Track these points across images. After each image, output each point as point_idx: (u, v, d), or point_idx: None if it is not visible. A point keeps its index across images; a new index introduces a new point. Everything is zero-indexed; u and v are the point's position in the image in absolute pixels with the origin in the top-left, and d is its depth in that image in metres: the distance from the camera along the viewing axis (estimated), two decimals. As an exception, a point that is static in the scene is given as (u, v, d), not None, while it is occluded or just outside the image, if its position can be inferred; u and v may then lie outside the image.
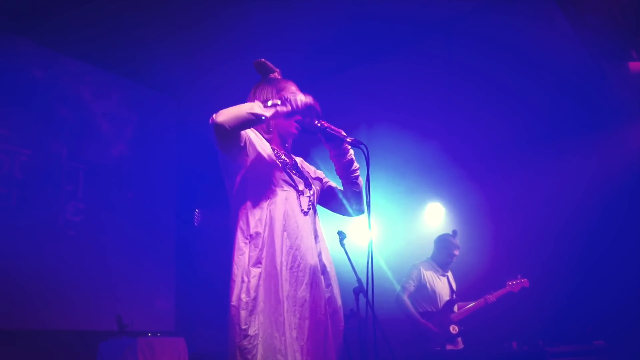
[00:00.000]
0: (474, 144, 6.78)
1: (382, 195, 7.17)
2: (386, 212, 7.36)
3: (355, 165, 2.55)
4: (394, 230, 7.20)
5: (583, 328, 5.31)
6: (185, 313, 6.73)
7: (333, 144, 2.47)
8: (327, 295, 2.33)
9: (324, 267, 2.37)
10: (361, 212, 2.64)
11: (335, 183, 2.66)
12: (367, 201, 2.40)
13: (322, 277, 2.33)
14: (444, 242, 5.22)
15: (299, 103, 2.25)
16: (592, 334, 5.19)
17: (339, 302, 2.40)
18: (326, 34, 5.83)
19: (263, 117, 2.18)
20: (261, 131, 2.45)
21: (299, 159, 2.63)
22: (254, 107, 2.19)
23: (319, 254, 2.37)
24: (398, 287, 5.12)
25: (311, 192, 2.43)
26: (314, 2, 5.31)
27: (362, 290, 3.08)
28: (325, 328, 2.27)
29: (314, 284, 2.27)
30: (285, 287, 2.17)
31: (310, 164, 2.70)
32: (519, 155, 6.64)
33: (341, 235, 3.01)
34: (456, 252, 5.15)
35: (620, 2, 3.52)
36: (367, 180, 2.41)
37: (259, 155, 2.32)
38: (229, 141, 2.23)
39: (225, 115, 2.14)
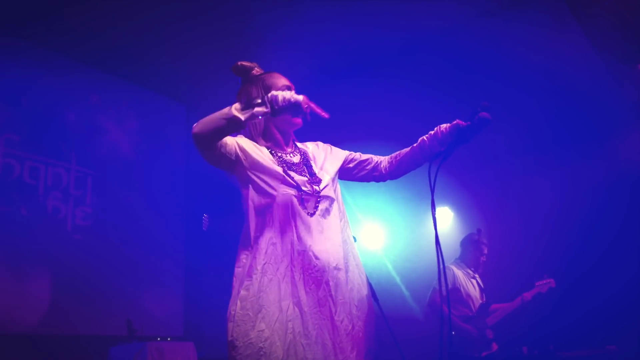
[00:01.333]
0: (481, 148, 6.75)
1: (389, 200, 7.16)
2: (394, 217, 7.34)
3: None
4: (402, 235, 7.18)
5: (595, 332, 5.25)
6: (194, 318, 6.72)
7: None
8: (355, 294, 2.25)
9: (347, 265, 2.27)
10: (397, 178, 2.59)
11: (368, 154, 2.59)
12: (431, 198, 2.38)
13: (346, 275, 2.24)
14: (472, 242, 5.06)
15: (281, 102, 2.08)
16: (605, 339, 5.13)
17: (369, 301, 2.31)
18: (335, 38, 5.83)
19: (240, 121, 2.05)
20: (258, 137, 2.36)
21: (311, 146, 2.52)
22: (230, 110, 2.05)
23: (341, 251, 2.27)
24: (406, 292, 5.02)
25: (320, 188, 2.31)
26: (322, 7, 5.32)
27: (373, 295, 3.06)
28: (351, 327, 2.18)
29: (333, 282, 2.18)
30: (298, 292, 2.10)
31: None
32: (528, 159, 6.61)
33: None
34: (485, 251, 5.01)
35: (631, 4, 3.50)
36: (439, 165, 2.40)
37: (254, 164, 2.23)
38: (212, 154, 2.15)
39: (202, 124, 2.07)
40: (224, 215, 7.10)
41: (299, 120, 2.36)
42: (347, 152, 2.57)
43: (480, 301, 4.87)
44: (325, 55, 6.07)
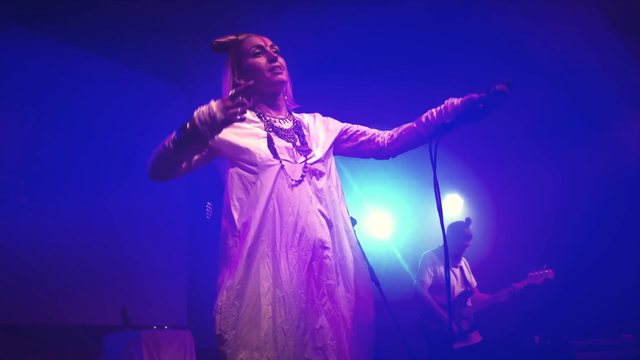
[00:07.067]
0: (492, 135, 6.60)
1: (399, 187, 7.03)
2: (403, 204, 7.22)
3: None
4: (411, 223, 7.08)
5: (610, 321, 5.10)
6: (197, 308, 6.63)
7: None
8: (349, 276, 2.05)
9: (340, 244, 2.07)
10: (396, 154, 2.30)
11: (366, 127, 2.33)
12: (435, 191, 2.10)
13: (335, 255, 2.03)
14: (454, 231, 4.78)
15: (198, 122, 1.85)
16: (621, 327, 4.97)
17: (366, 284, 2.11)
18: (336, 30, 5.67)
19: (172, 150, 1.96)
20: (253, 95, 2.14)
21: (307, 116, 2.31)
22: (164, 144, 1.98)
23: (328, 229, 2.04)
24: (415, 281, 4.82)
25: (309, 158, 2.10)
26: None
27: (374, 279, 2.92)
28: (337, 311, 1.96)
29: (318, 262, 1.96)
30: (280, 273, 1.91)
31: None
32: (538, 146, 6.48)
33: (352, 221, 2.82)
34: (468, 243, 4.74)
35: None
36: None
37: (232, 147, 2.06)
38: (180, 174, 2.12)
39: (152, 170, 2.10)
40: (227, 203, 7.01)
41: (276, 79, 2.15)
42: (344, 124, 2.34)
43: (460, 290, 4.69)
44: (331, 47, 5.89)
